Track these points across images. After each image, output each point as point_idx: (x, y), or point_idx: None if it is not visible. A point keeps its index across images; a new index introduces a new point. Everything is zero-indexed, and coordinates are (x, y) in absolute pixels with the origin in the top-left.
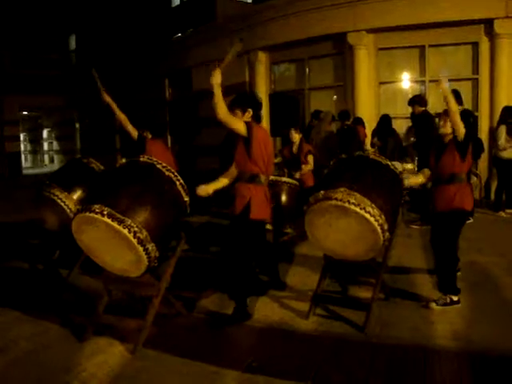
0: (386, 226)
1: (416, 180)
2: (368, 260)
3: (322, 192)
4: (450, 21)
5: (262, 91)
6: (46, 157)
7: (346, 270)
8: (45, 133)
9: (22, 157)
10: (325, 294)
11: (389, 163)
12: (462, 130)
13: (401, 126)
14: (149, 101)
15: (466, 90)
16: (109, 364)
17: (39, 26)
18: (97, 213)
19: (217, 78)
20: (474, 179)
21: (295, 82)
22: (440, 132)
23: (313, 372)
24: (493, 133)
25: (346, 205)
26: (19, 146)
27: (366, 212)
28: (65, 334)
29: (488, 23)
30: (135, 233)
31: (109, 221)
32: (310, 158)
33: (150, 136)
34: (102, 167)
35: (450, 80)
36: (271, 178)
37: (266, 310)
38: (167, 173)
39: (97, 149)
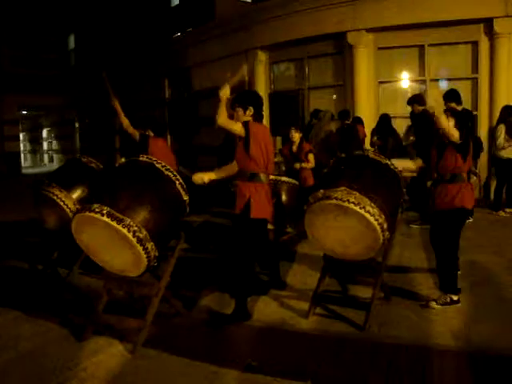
0: (385, 226)
1: (406, 163)
2: (368, 259)
3: (321, 191)
4: (449, 20)
5: (262, 90)
6: (46, 156)
7: (345, 270)
8: (44, 132)
9: (22, 156)
10: (325, 293)
11: (388, 162)
12: (455, 136)
13: (400, 126)
14: (148, 100)
15: (465, 89)
16: (108, 364)
17: (38, 26)
18: (96, 212)
19: (225, 93)
20: (474, 178)
21: (295, 81)
22: (441, 132)
23: (313, 371)
24: (492, 132)
25: (346, 204)
26: (19, 145)
27: (365, 211)
28: (64, 333)
29: (488, 22)
30: (134, 232)
31: (108, 220)
32: (311, 157)
33: (152, 134)
34: (101, 166)
35: (449, 79)
36: (271, 177)
37: (265, 309)
38: (166, 172)
39: (96, 148)
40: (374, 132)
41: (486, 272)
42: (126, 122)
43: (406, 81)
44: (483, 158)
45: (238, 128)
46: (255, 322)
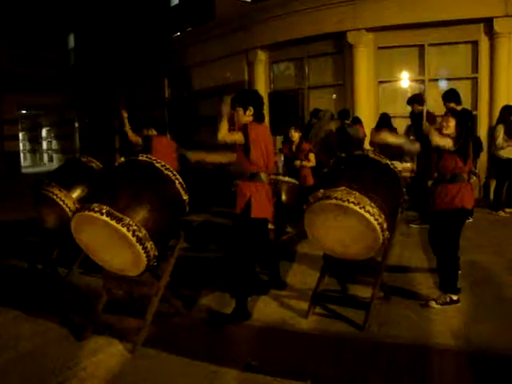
0: (385, 225)
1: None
2: (368, 259)
3: (321, 191)
4: (449, 20)
5: (262, 90)
6: (45, 156)
7: (345, 269)
8: (44, 132)
9: (21, 156)
10: (324, 293)
11: (388, 162)
12: (449, 145)
13: (400, 125)
14: (148, 100)
15: (465, 89)
16: (108, 363)
17: (38, 25)
18: (96, 211)
19: (226, 109)
20: (474, 178)
21: (294, 80)
22: (442, 132)
23: (313, 371)
24: (492, 132)
25: (346, 204)
26: (18, 145)
27: (365, 211)
28: (64, 333)
29: (488, 22)
30: (134, 231)
31: (108, 219)
32: (312, 156)
33: (155, 133)
34: (101, 166)
35: (449, 79)
36: (271, 177)
37: (265, 309)
38: (166, 171)
39: (96, 148)
40: (374, 131)
41: (486, 272)
42: (130, 133)
43: (405, 80)
44: (483, 157)
45: (238, 137)
46: (255, 321)
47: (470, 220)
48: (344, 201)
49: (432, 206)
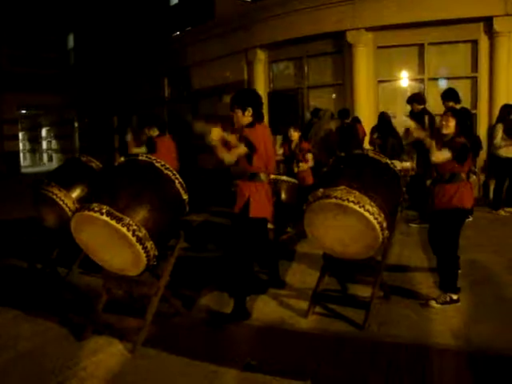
0: (385, 224)
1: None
2: (367, 258)
3: (321, 190)
4: (449, 19)
5: (261, 89)
6: (45, 155)
7: (345, 269)
8: (44, 131)
9: (21, 155)
10: (324, 292)
11: (388, 161)
12: (448, 157)
13: (400, 125)
14: (148, 99)
15: (465, 88)
16: (108, 363)
17: (37, 25)
18: (95, 211)
19: (216, 136)
20: (473, 177)
21: (294, 80)
22: (442, 132)
23: (312, 370)
24: (491, 131)
25: (346, 203)
26: (18, 144)
27: (365, 210)
28: (64, 332)
29: (487, 21)
30: (134, 231)
31: (107, 219)
32: (310, 157)
33: (157, 132)
34: (100, 166)
35: (449, 78)
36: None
37: (265, 308)
38: (166, 171)
39: (95, 148)
40: (373, 130)
41: (486, 271)
42: (135, 151)
43: (405, 80)
44: (482, 156)
45: (243, 151)
46: (254, 321)
47: (470, 219)
48: (344, 200)
49: (431, 205)
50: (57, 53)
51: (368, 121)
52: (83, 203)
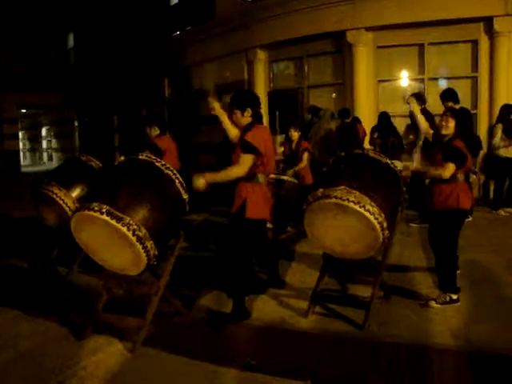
0: (385, 224)
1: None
2: (367, 258)
3: (321, 190)
4: (449, 19)
5: (261, 89)
6: (45, 155)
7: (345, 269)
8: (44, 131)
9: (21, 155)
10: (324, 292)
11: (388, 161)
12: (452, 169)
13: (400, 124)
14: (148, 99)
15: (465, 88)
16: (108, 362)
17: (37, 24)
18: (96, 211)
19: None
20: (473, 177)
21: (294, 80)
22: (442, 133)
23: (312, 370)
24: (491, 131)
25: (346, 203)
26: (18, 143)
27: (365, 210)
28: (64, 332)
29: (488, 21)
30: (134, 231)
31: (108, 219)
32: (305, 156)
33: (158, 131)
34: (100, 165)
35: (449, 78)
36: (271, 176)
37: (265, 308)
38: (166, 171)
39: (95, 147)
40: (374, 129)
41: (486, 271)
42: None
43: (405, 79)
44: (482, 156)
45: (252, 160)
46: (254, 320)
47: (470, 219)
48: (344, 200)
49: (430, 205)
50: (57, 52)
51: (368, 120)
52: (83, 203)
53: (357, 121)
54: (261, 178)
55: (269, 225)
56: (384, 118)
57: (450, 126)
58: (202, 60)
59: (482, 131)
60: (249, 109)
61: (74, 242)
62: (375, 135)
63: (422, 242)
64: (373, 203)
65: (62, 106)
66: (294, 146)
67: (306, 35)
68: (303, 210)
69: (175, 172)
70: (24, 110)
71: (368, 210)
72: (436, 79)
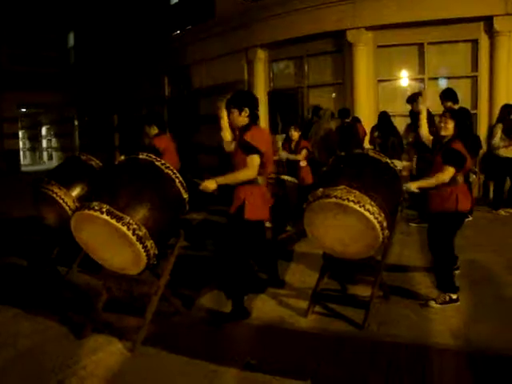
0: (385, 224)
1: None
2: (367, 258)
3: (321, 190)
4: (449, 18)
5: (261, 89)
6: (45, 154)
7: (345, 268)
8: (44, 130)
9: (21, 154)
10: (324, 291)
11: (388, 161)
12: (452, 173)
13: (400, 124)
14: (148, 98)
15: (465, 87)
16: (108, 362)
17: (38, 24)
18: (96, 210)
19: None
20: (473, 177)
21: (294, 79)
22: (441, 134)
23: (312, 370)
24: (491, 130)
25: (346, 202)
26: (18, 143)
27: (365, 210)
28: (64, 331)
29: (488, 20)
30: (134, 230)
31: (108, 218)
32: (303, 152)
33: (156, 131)
34: (100, 164)
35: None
36: (271, 175)
37: (264, 307)
38: (166, 170)
39: (96, 146)
40: (374, 128)
41: (486, 271)
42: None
43: (405, 79)
44: (482, 156)
45: (258, 163)
46: (254, 320)
47: (470, 219)
48: (344, 199)
49: (428, 206)
50: (57, 51)
51: (368, 120)
52: (83, 202)
53: (357, 120)
54: (260, 179)
55: (268, 224)
56: (384, 118)
57: (448, 128)
58: (201, 59)
59: (482, 131)
60: (246, 109)
61: (74, 241)
62: (375, 134)
63: (422, 241)
64: (373, 203)
65: (62, 105)
66: (293, 145)
67: (306, 35)
68: (303, 210)
69: (175, 171)
70: (24, 109)
71: (368, 210)
72: (436, 79)
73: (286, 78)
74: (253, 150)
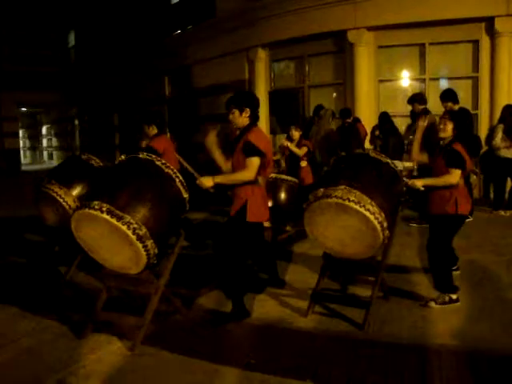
0: (385, 224)
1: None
2: (367, 258)
3: (321, 189)
4: (450, 19)
5: (262, 89)
6: (45, 153)
7: (345, 268)
8: (44, 129)
9: (21, 153)
10: (324, 291)
11: (389, 161)
12: (458, 176)
13: (400, 124)
14: (148, 98)
15: (465, 88)
16: (108, 361)
17: (38, 23)
18: (96, 209)
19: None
20: (474, 177)
21: (295, 79)
22: (440, 135)
23: (312, 370)
24: (492, 131)
25: (346, 202)
26: (18, 142)
27: (365, 210)
28: (64, 330)
29: (489, 21)
30: (134, 229)
31: (108, 217)
32: (304, 148)
33: (155, 131)
34: (101, 163)
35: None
36: (271, 175)
37: (265, 307)
38: (166, 169)
39: (96, 145)
40: (375, 129)
41: (486, 271)
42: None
43: (406, 79)
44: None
45: (257, 166)
46: (254, 320)
47: (470, 219)
48: (344, 199)
49: (428, 208)
50: (57, 51)
51: (368, 120)
52: (84, 201)
53: (357, 121)
54: (260, 180)
55: (267, 224)
56: (385, 118)
57: (447, 130)
58: (202, 59)
59: (483, 131)
60: (247, 109)
61: (74, 240)
62: (377, 133)
63: (422, 242)
64: (373, 203)
65: (63, 104)
66: (294, 145)
67: (308, 35)
68: (303, 210)
69: (175, 171)
70: (24, 109)
71: (368, 210)
72: (437, 79)
73: (287, 77)
74: (255, 151)
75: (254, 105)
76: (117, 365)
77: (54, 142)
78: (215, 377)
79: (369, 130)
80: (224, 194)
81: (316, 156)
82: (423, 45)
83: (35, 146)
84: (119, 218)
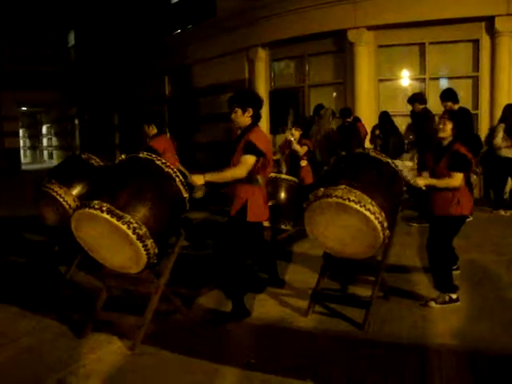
0: (385, 224)
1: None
2: (367, 258)
3: (321, 189)
4: (450, 18)
5: (262, 88)
6: (45, 153)
7: (345, 268)
8: (44, 129)
9: (21, 152)
10: (324, 291)
11: (389, 161)
12: (460, 179)
13: (400, 124)
14: (148, 98)
15: (466, 87)
16: (108, 360)
17: (38, 22)
18: (96, 209)
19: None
20: (474, 177)
21: (295, 79)
22: (439, 135)
23: (312, 369)
24: (493, 131)
25: (346, 202)
26: (18, 141)
27: (366, 209)
28: (64, 330)
29: (489, 21)
30: (134, 229)
31: (108, 217)
32: (304, 146)
33: (155, 130)
34: (101, 163)
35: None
36: (271, 175)
37: (265, 307)
38: (167, 169)
39: (96, 145)
40: (375, 128)
41: (486, 271)
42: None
43: (406, 79)
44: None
45: (254, 161)
46: (254, 319)
47: (470, 219)
48: (345, 199)
49: (431, 210)
50: (57, 50)
51: (369, 120)
52: (84, 201)
53: (358, 120)
54: (260, 179)
55: (266, 223)
56: (385, 118)
57: (446, 129)
58: (202, 58)
59: (483, 131)
60: (250, 109)
61: (74, 240)
62: (377, 132)
63: (422, 241)
64: (373, 202)
65: (63, 103)
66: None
67: (308, 34)
68: (303, 210)
69: (175, 170)
70: (24, 108)
71: (368, 210)
72: (437, 79)
73: (287, 77)
74: (253, 151)
75: (256, 105)
76: (117, 364)
77: (54, 141)
78: (215, 376)
79: (369, 130)
80: (216, 193)
81: (316, 155)
82: (423, 44)
83: (35, 146)
84: (119, 218)
